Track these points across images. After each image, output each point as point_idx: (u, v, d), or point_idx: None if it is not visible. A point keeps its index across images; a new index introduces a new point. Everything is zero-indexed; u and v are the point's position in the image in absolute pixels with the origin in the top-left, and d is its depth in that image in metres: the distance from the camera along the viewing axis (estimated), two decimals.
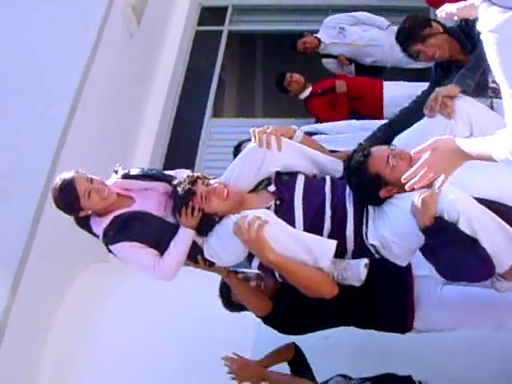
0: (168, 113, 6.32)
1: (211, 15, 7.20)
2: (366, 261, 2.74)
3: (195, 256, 2.89)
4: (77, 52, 4.79)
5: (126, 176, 3.00)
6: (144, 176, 3.00)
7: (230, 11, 7.22)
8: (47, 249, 4.20)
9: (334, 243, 2.65)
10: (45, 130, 4.42)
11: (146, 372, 4.19)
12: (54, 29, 4.80)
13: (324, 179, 2.86)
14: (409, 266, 3.00)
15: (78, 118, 4.51)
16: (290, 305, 3.09)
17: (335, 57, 5.77)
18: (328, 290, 2.70)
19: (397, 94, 5.02)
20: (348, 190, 2.75)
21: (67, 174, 2.85)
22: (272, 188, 2.83)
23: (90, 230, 2.94)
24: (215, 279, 4.61)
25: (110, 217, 2.86)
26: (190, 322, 4.28)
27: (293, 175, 2.87)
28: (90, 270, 4.85)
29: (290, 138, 2.91)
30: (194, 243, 2.86)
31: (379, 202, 2.67)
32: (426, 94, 3.14)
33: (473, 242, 2.36)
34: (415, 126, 2.87)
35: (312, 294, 2.73)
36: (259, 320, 3.23)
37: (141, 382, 4.18)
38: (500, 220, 2.39)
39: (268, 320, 3.17)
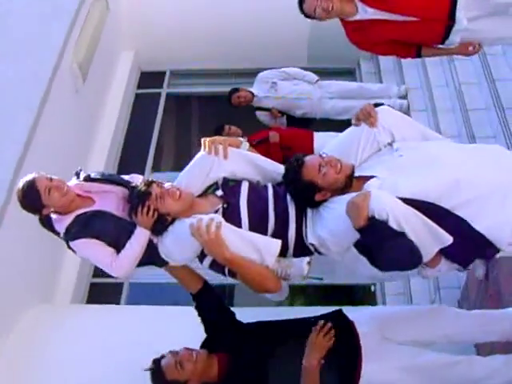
0: (110, 167, 6.60)
1: (150, 79, 7.70)
2: (307, 259, 3.01)
3: (151, 254, 3.10)
4: (27, 103, 5.10)
5: (87, 179, 3.23)
6: (103, 179, 3.24)
7: (167, 75, 7.77)
8: None
9: (278, 242, 2.93)
10: None
11: None
12: (6, 81, 5.13)
13: (266, 186, 3.15)
14: (352, 324, 3.24)
15: (27, 164, 4.78)
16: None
17: (268, 109, 6.23)
18: (273, 286, 2.96)
19: (326, 143, 5.44)
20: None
21: (29, 176, 3.08)
22: (219, 193, 3.09)
23: (51, 228, 3.15)
24: (159, 315, 4.84)
25: (73, 215, 3.08)
26: (134, 359, 4.33)
27: (238, 181, 3.15)
28: (34, 310, 4.93)
29: (237, 148, 3.21)
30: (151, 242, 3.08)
31: (316, 205, 2.98)
32: None
33: (402, 236, 2.65)
34: (344, 133, 3.20)
35: (259, 289, 2.99)
36: None
37: None
38: (422, 215, 2.70)
39: None
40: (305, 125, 6.12)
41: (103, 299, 5.71)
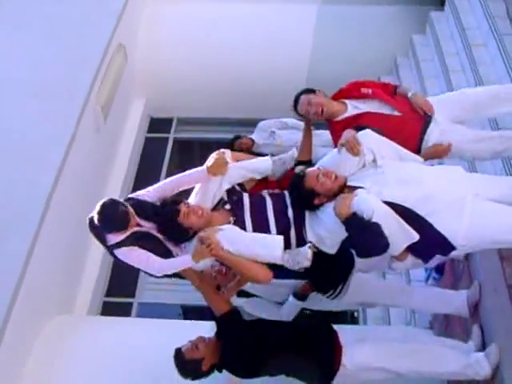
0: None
1: (159, 124, 8.48)
2: (309, 244, 3.63)
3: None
4: (58, 137, 5.87)
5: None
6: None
7: (175, 122, 8.55)
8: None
9: (281, 238, 3.59)
10: (33, 195, 5.40)
11: None
12: (40, 121, 5.94)
13: (265, 198, 3.80)
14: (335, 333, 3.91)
15: (61, 185, 5.55)
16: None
17: (266, 155, 6.88)
18: (261, 277, 3.62)
19: None
20: (289, 201, 3.75)
21: None
22: (228, 206, 3.75)
23: (101, 238, 3.71)
24: (172, 329, 5.41)
25: (128, 232, 3.62)
26: (151, 369, 4.85)
27: (239, 194, 3.82)
28: (55, 321, 5.51)
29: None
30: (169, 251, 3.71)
31: (314, 208, 3.66)
32: None
33: (374, 227, 3.32)
34: (333, 153, 3.79)
35: (250, 280, 3.72)
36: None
37: None
38: (398, 216, 3.41)
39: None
40: None
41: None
